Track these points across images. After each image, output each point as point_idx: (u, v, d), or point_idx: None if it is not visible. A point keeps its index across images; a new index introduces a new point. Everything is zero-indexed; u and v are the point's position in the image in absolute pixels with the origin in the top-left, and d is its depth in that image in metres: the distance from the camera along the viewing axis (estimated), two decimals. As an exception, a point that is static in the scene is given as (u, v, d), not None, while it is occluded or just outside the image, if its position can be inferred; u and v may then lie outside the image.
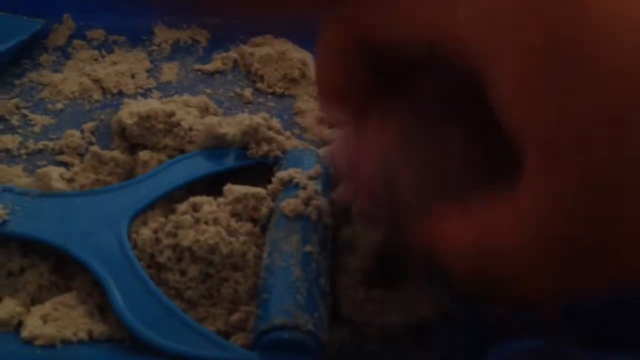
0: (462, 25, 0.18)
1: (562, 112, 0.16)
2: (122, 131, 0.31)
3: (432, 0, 0.18)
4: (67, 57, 0.38)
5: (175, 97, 0.34)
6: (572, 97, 0.16)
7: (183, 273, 0.25)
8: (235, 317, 0.24)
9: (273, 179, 0.28)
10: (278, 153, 0.30)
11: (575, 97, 0.16)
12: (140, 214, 0.27)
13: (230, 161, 0.30)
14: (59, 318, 0.24)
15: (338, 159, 0.26)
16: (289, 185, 0.27)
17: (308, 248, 0.24)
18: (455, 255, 0.20)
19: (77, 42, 0.39)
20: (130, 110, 0.31)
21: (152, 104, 0.32)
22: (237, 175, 0.30)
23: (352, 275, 0.25)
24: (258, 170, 0.30)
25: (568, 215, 0.17)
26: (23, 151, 0.32)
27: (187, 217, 0.26)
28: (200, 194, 0.28)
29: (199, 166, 0.29)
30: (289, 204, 0.26)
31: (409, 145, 0.23)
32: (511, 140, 0.18)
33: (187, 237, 0.25)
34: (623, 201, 0.16)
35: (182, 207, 0.27)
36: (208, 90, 0.36)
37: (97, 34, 0.39)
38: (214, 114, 0.34)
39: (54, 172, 0.29)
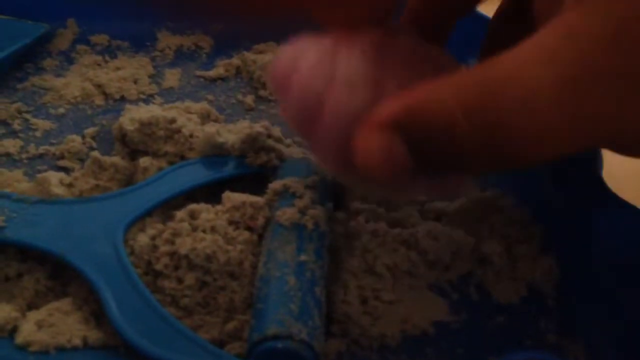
0: None
1: None
2: (123, 137, 0.32)
3: None
4: (71, 62, 0.38)
5: (177, 104, 0.34)
6: None
7: (180, 281, 0.25)
8: (230, 325, 0.24)
9: (267, 188, 0.27)
10: (277, 162, 0.30)
11: None
12: (138, 222, 0.27)
13: (229, 169, 0.30)
14: (54, 324, 0.24)
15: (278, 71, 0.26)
16: (286, 194, 0.27)
17: (303, 257, 0.24)
18: (453, 118, 0.17)
19: (80, 47, 0.39)
20: (131, 117, 0.31)
21: (154, 111, 0.32)
22: (238, 183, 0.30)
23: (348, 286, 0.25)
24: (259, 178, 0.30)
25: (600, 56, 0.16)
26: (24, 155, 0.32)
27: (185, 224, 0.26)
28: (201, 201, 0.28)
29: (197, 174, 0.29)
30: (285, 212, 0.26)
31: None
32: None
33: (184, 245, 0.25)
34: None
35: (180, 214, 0.27)
36: (210, 97, 0.36)
37: (101, 39, 0.39)
38: (215, 121, 0.34)
39: (54, 177, 0.29)
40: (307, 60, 0.26)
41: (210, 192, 0.29)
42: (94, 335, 0.24)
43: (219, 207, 0.27)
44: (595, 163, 0.28)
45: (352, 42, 0.25)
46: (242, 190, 0.28)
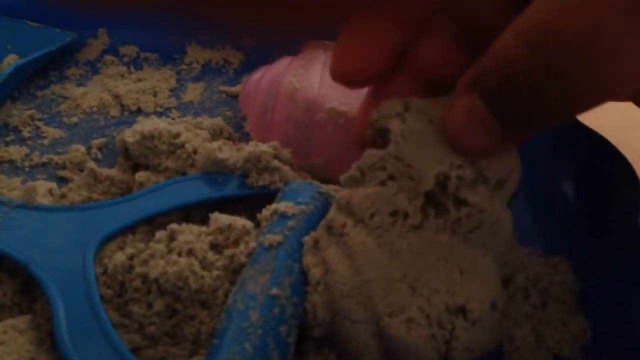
0: None
1: None
2: (126, 150, 0.30)
3: None
4: (96, 71, 0.37)
5: (188, 118, 0.32)
6: None
7: (149, 306, 0.23)
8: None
9: (258, 213, 0.25)
10: (280, 185, 0.27)
11: None
12: (116, 237, 0.25)
13: (228, 189, 0.27)
14: (4, 342, 0.22)
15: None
16: (278, 220, 0.24)
17: (274, 291, 0.21)
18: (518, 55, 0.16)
19: (107, 57, 0.38)
20: (134, 129, 0.29)
21: (158, 124, 0.30)
22: (239, 205, 0.27)
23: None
24: (263, 201, 0.27)
25: None
26: (27, 163, 0.31)
27: (161, 246, 0.24)
28: (196, 221, 0.26)
29: (192, 191, 0.27)
30: (268, 239, 0.23)
31: None
32: None
33: (155, 268, 0.23)
34: None
35: (159, 234, 0.24)
36: (229, 113, 0.34)
37: (130, 50, 0.38)
38: (228, 138, 0.32)
39: (42, 187, 0.27)
40: (266, 78, 0.31)
41: (206, 212, 0.27)
42: (43, 358, 0.22)
43: (203, 229, 0.24)
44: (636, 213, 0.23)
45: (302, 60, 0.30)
46: (241, 213, 0.26)
